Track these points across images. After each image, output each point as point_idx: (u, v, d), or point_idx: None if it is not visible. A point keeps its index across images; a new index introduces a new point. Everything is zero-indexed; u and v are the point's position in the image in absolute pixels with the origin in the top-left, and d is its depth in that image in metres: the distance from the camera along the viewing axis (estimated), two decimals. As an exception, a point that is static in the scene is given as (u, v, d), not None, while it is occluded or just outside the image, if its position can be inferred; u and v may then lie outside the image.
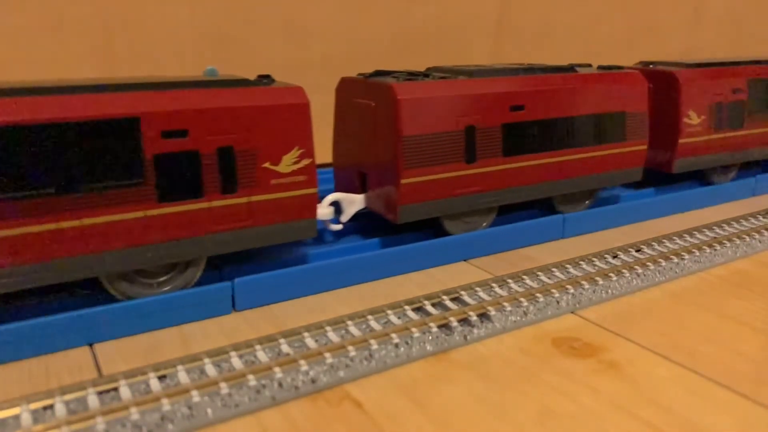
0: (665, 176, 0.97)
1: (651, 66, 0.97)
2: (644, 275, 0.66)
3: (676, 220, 0.86)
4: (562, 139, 0.77)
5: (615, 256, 0.71)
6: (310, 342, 0.52)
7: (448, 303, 0.58)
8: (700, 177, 0.99)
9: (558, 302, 0.60)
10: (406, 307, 0.57)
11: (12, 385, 0.47)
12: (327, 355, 0.49)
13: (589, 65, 0.88)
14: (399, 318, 0.56)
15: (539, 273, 0.66)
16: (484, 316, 0.56)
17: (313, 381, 0.47)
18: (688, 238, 0.77)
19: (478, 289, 0.61)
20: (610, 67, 0.85)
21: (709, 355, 0.53)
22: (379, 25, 1.06)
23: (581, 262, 0.69)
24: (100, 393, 0.44)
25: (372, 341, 0.51)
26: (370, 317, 0.55)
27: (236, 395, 0.45)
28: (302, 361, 0.48)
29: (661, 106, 0.91)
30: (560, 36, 1.28)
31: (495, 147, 0.71)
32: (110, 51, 0.88)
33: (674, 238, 0.77)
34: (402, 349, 0.51)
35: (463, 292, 0.60)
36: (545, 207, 0.82)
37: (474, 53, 1.18)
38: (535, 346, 0.54)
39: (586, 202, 0.84)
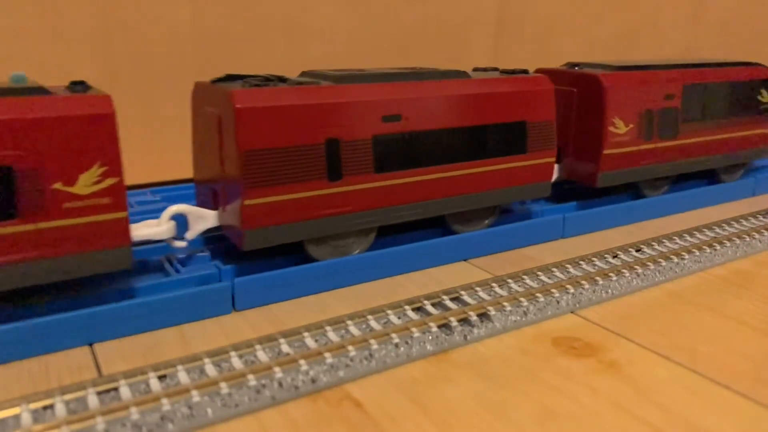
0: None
1: (576, 68, 0.88)
2: (644, 275, 0.66)
3: (676, 220, 0.86)
4: (449, 152, 0.68)
5: (615, 256, 0.71)
6: (310, 342, 0.52)
7: (448, 303, 0.58)
8: (630, 190, 0.91)
9: (558, 302, 0.60)
10: (406, 307, 0.57)
11: (12, 385, 0.47)
12: (327, 355, 0.49)
13: (496, 69, 0.80)
14: (399, 318, 0.56)
15: (539, 273, 0.66)
16: (484, 316, 0.56)
17: (313, 381, 0.47)
18: (688, 238, 0.77)
19: (478, 289, 0.61)
20: (513, 72, 0.76)
21: (709, 355, 0.53)
22: (379, 25, 1.06)
23: (581, 262, 0.69)
24: (100, 393, 0.44)
25: (372, 341, 0.51)
26: (370, 317, 0.55)
27: (236, 395, 0.45)
28: (302, 361, 0.48)
29: (585, 113, 0.83)
30: (560, 35, 1.28)
31: (365, 162, 0.63)
32: (110, 51, 0.88)
33: (674, 238, 0.77)
34: (402, 349, 0.51)
35: (463, 292, 0.60)
36: (439, 226, 0.74)
37: (474, 53, 1.19)
38: (535, 346, 0.54)
39: (486, 221, 0.76)
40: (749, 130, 0.99)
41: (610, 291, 0.63)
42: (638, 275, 0.66)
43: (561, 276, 0.65)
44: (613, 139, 0.82)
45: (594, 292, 0.62)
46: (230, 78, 0.64)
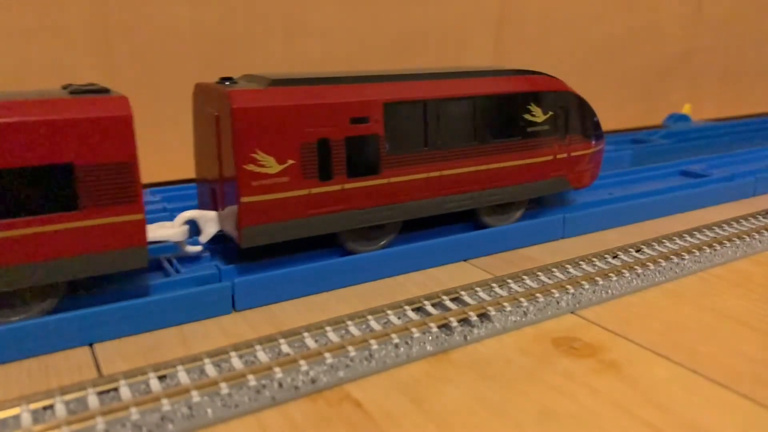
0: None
1: (228, 83, 0.63)
2: (644, 275, 0.66)
3: (676, 220, 0.86)
4: None
5: (615, 256, 0.71)
6: (310, 342, 0.52)
7: (448, 303, 0.58)
8: (332, 243, 0.68)
9: (558, 302, 0.60)
10: (406, 307, 0.57)
11: (12, 385, 0.47)
12: (327, 355, 0.49)
13: (91, 86, 0.56)
14: (399, 318, 0.56)
15: (539, 273, 0.66)
16: (484, 316, 0.56)
17: (313, 381, 0.47)
18: (688, 238, 0.77)
19: (478, 289, 0.61)
20: (87, 91, 0.54)
21: (709, 355, 0.53)
22: (379, 25, 1.06)
23: (581, 262, 0.69)
24: (100, 393, 0.44)
25: (372, 341, 0.51)
26: (370, 317, 0.55)
27: (236, 395, 0.45)
28: (302, 361, 0.48)
29: (226, 145, 0.60)
30: (560, 36, 1.28)
31: None
32: (110, 51, 0.88)
33: (674, 238, 0.77)
34: (402, 349, 0.51)
35: (463, 292, 0.60)
36: None
37: (474, 53, 1.19)
38: (535, 346, 0.54)
39: (35, 309, 0.53)
40: (514, 160, 0.74)
41: (610, 291, 0.63)
42: (638, 275, 0.66)
43: (561, 276, 0.65)
44: (256, 181, 0.59)
45: (594, 292, 0.62)
46: None
